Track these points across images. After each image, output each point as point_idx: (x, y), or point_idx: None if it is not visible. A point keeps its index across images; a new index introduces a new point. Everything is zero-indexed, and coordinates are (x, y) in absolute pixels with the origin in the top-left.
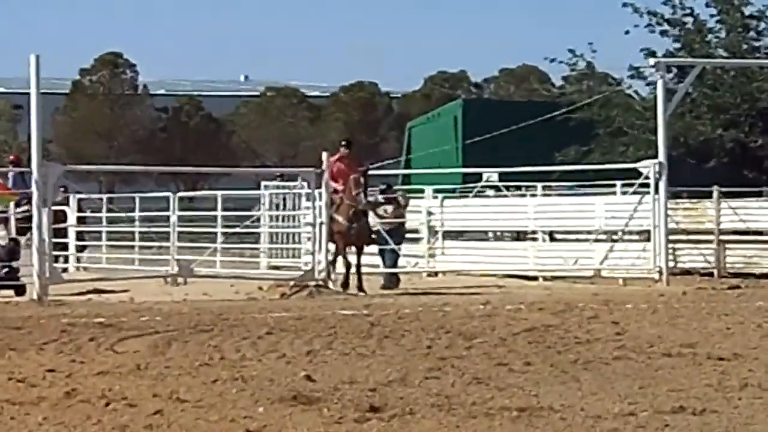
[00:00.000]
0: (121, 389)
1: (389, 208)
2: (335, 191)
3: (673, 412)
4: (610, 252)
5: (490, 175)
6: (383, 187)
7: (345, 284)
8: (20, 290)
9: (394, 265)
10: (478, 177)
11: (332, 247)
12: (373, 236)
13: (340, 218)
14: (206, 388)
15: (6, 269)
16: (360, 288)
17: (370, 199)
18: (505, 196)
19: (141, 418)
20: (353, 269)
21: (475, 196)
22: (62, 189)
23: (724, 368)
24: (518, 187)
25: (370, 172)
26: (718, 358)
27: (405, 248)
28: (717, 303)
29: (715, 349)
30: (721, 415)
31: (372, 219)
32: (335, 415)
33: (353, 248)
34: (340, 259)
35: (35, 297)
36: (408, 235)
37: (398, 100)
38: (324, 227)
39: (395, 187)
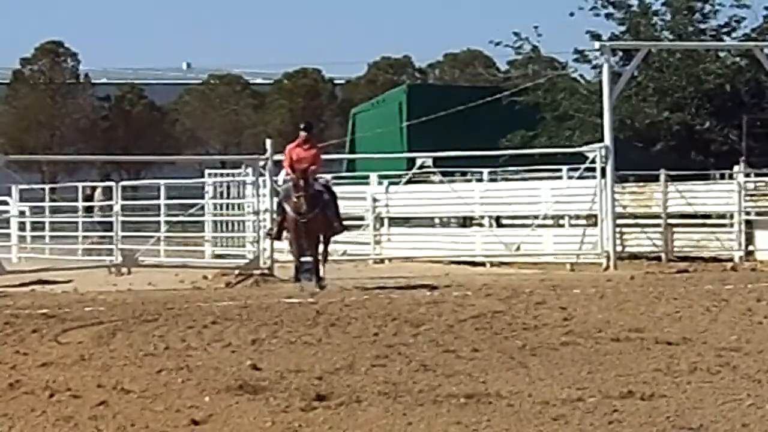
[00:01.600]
0: (65, 380)
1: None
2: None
3: (622, 397)
4: (557, 237)
5: (425, 160)
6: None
7: (297, 278)
8: None
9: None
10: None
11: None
12: (337, 225)
13: (288, 209)
14: (151, 379)
15: None
16: (318, 281)
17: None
18: (452, 181)
19: (86, 409)
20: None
21: (421, 182)
22: None
23: (672, 352)
24: (464, 173)
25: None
26: (666, 343)
27: (350, 236)
28: (665, 287)
29: (664, 334)
30: (670, 400)
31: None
32: (282, 404)
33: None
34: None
35: None
36: (353, 222)
37: (342, 86)
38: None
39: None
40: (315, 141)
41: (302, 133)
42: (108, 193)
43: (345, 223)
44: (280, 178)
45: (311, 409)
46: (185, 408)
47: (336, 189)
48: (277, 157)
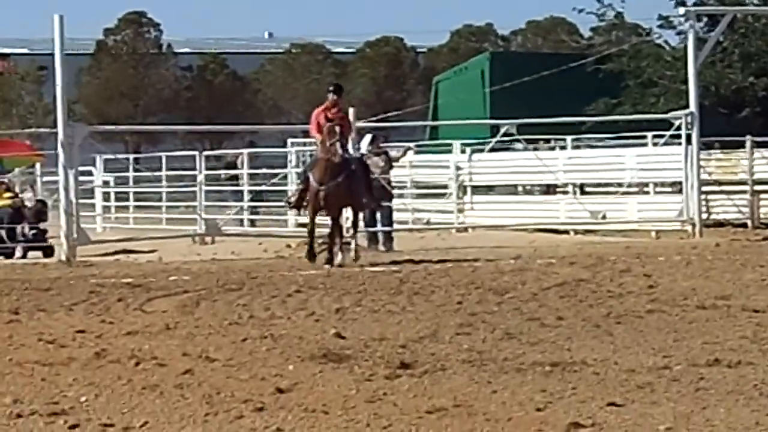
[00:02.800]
0: (150, 349)
1: (379, 161)
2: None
3: (708, 365)
4: (642, 204)
5: (508, 127)
6: (370, 137)
7: (310, 255)
8: (48, 252)
9: (391, 223)
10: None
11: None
12: (356, 198)
13: (312, 177)
14: (236, 347)
15: (34, 231)
16: (329, 260)
17: (363, 151)
18: (536, 149)
19: (171, 377)
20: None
21: (504, 150)
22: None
23: (759, 320)
24: (547, 141)
25: (387, 125)
26: (753, 310)
27: (434, 204)
28: (751, 254)
29: (750, 301)
30: (757, 368)
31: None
32: (366, 372)
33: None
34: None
35: (63, 258)
36: (436, 191)
37: (424, 54)
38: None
39: (421, 143)
40: (344, 105)
41: (331, 96)
42: (254, 159)
43: (428, 191)
44: (363, 145)
45: (395, 377)
46: (270, 376)
47: (418, 157)
48: (359, 124)
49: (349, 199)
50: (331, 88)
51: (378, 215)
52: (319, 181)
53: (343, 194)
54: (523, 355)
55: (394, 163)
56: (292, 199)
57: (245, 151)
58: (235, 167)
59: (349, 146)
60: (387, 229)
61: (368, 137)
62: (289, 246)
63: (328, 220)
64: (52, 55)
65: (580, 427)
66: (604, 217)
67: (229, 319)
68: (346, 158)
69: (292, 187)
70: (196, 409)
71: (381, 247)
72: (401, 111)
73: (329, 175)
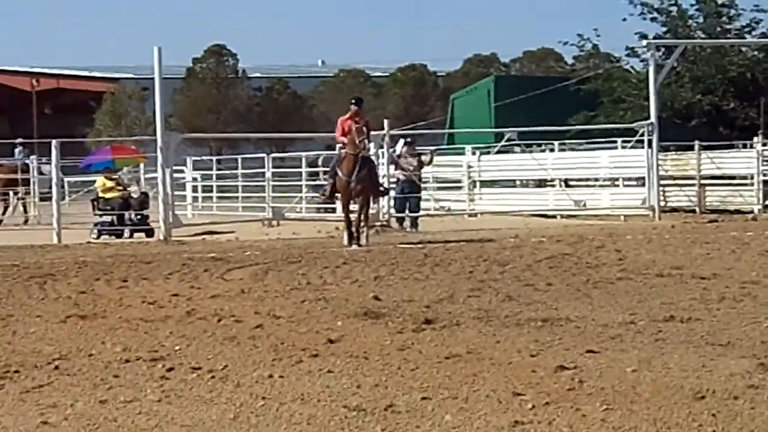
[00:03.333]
0: (229, 309)
1: (413, 161)
2: (342, 146)
3: (665, 320)
4: (613, 195)
5: (510, 134)
6: (407, 140)
7: (351, 239)
8: (150, 233)
9: (418, 210)
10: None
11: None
12: (381, 188)
13: (340, 172)
14: (296, 307)
15: (139, 217)
16: (356, 240)
17: (398, 153)
18: (531, 151)
19: (246, 330)
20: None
21: (506, 152)
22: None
23: (705, 285)
24: (540, 145)
25: (414, 132)
26: (700, 277)
27: (451, 195)
28: (699, 234)
29: (698, 270)
30: (704, 322)
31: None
32: (398, 326)
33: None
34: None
35: (162, 238)
36: (452, 185)
37: (443, 77)
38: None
39: (440, 147)
40: (365, 115)
41: (353, 107)
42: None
43: (446, 185)
44: (398, 148)
45: (421, 330)
46: (323, 330)
47: (438, 158)
48: (393, 132)
49: (370, 188)
50: (353, 100)
51: (408, 204)
52: (348, 174)
53: (367, 184)
54: (520, 313)
55: (425, 165)
56: (326, 192)
57: (323, 153)
58: (316, 165)
59: (371, 146)
60: (414, 215)
61: (402, 141)
62: (337, 228)
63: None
64: (152, 78)
65: (564, 369)
66: (584, 205)
67: (291, 285)
68: (367, 157)
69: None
70: (265, 356)
71: (410, 229)
72: (425, 122)
73: (357, 168)
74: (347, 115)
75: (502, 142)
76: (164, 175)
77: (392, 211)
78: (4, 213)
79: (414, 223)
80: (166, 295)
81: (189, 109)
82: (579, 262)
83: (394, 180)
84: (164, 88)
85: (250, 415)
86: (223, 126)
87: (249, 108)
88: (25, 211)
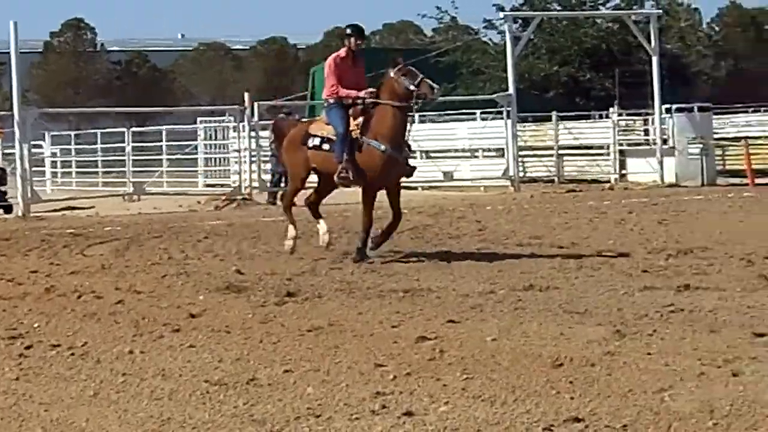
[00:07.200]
0: (90, 285)
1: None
2: (353, 102)
3: (525, 289)
4: (473, 166)
5: None
6: (287, 111)
7: (365, 243)
8: (8, 209)
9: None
10: None
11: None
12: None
13: (376, 142)
14: (157, 282)
15: None
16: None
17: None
18: None
19: (106, 306)
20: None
21: None
22: None
23: (563, 254)
24: None
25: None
26: (558, 246)
27: None
28: (557, 203)
29: (557, 240)
30: (562, 291)
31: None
32: (260, 299)
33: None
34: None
35: (20, 214)
36: None
37: (304, 50)
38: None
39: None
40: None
41: (353, 41)
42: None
43: None
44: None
45: (283, 303)
46: (184, 305)
47: None
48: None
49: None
50: (348, 31)
51: (285, 178)
52: (395, 144)
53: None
54: (382, 284)
55: None
56: (350, 174)
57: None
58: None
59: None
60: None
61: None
62: (198, 202)
63: None
64: (8, 53)
65: (426, 339)
66: (452, 177)
67: (152, 260)
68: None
69: (201, 155)
70: (126, 331)
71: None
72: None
73: (403, 135)
74: (343, 53)
75: None
76: (22, 151)
77: (255, 184)
78: None
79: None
80: (25, 272)
81: (47, 84)
82: (440, 233)
83: (271, 153)
84: (21, 63)
85: (111, 391)
86: (82, 100)
87: (108, 82)
88: None
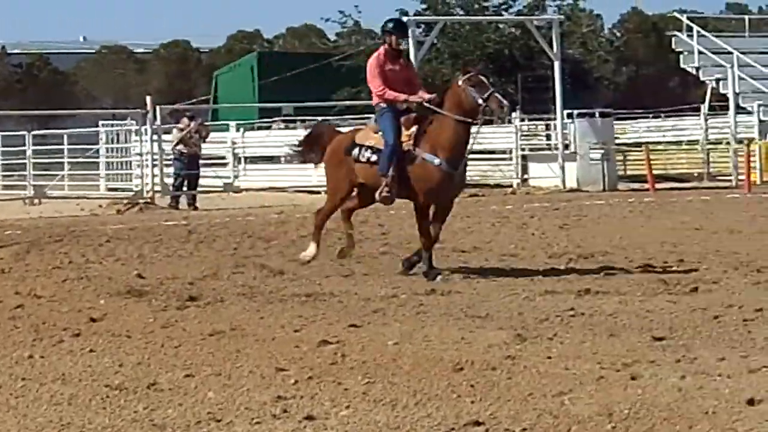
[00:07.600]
0: None
1: (196, 137)
2: (407, 108)
3: (427, 294)
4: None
5: (285, 110)
6: (190, 115)
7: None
8: None
9: (197, 188)
10: (270, 112)
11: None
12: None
13: (430, 156)
14: (58, 286)
15: None
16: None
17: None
18: (294, 127)
19: (6, 311)
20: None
21: (267, 128)
22: None
23: (465, 258)
24: (303, 121)
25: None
26: (461, 251)
27: (217, 171)
28: (460, 208)
29: (459, 244)
30: (463, 295)
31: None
32: (161, 304)
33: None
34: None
35: None
36: (216, 161)
37: (207, 54)
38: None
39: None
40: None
41: (394, 40)
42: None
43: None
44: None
45: (185, 307)
46: (85, 309)
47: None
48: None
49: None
50: (390, 26)
51: (187, 181)
52: (453, 161)
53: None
54: (284, 288)
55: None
56: (392, 193)
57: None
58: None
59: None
60: (192, 192)
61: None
62: (100, 206)
63: None
64: None
65: (328, 343)
66: None
67: (52, 264)
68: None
69: (103, 159)
70: (26, 336)
71: (189, 208)
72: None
73: (464, 149)
74: (384, 52)
75: (280, 119)
76: None
77: (157, 187)
78: None
79: (193, 200)
80: None
81: None
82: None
83: (174, 156)
84: None
85: (9, 396)
86: None
87: (9, 84)
88: None
